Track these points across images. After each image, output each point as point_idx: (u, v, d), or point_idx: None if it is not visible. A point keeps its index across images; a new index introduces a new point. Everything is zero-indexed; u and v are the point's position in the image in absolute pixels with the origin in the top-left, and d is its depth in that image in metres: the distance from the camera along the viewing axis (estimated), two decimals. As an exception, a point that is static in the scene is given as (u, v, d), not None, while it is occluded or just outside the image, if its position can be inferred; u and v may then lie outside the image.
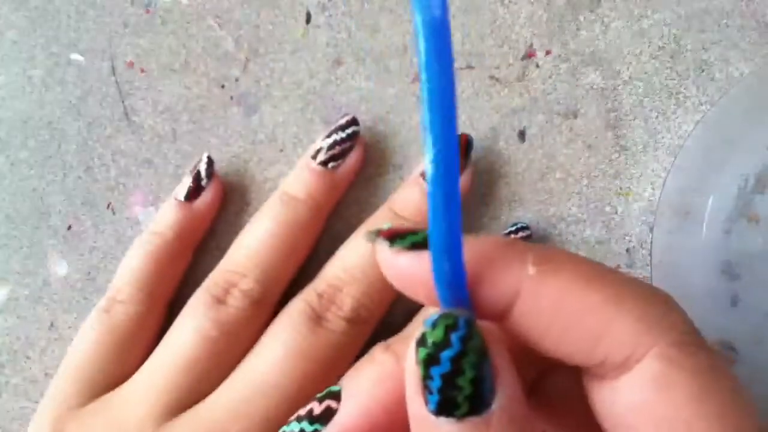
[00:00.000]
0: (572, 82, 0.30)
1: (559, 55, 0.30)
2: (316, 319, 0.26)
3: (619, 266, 0.29)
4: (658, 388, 0.15)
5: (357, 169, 0.29)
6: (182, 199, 0.28)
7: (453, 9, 0.30)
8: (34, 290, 0.30)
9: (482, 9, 0.30)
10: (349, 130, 0.28)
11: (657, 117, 0.30)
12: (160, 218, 0.29)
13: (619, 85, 0.30)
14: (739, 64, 0.30)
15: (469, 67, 0.30)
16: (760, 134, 0.28)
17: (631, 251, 0.29)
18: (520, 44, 0.30)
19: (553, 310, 0.15)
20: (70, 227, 0.31)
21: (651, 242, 0.28)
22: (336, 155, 0.28)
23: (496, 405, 0.15)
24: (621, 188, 0.30)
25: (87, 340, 0.27)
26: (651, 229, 0.29)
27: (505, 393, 0.15)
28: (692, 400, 0.15)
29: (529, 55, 0.30)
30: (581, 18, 0.30)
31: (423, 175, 0.28)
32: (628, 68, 0.30)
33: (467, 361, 0.14)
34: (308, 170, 0.28)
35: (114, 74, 0.31)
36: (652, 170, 0.30)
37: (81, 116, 0.31)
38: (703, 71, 0.30)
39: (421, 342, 0.15)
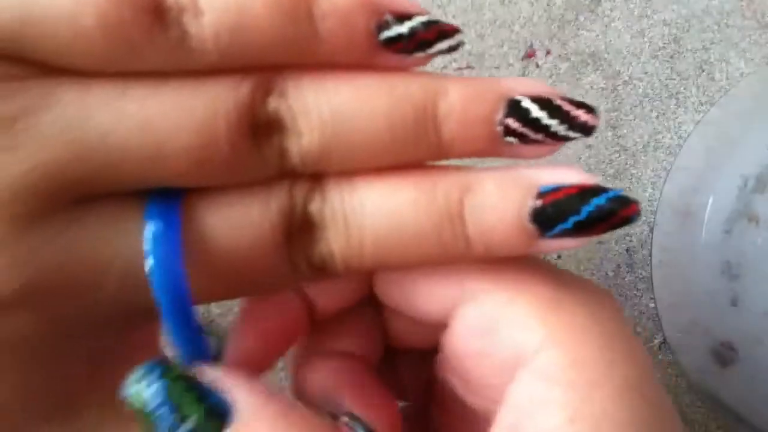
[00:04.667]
0: (572, 82, 0.30)
1: (559, 55, 0.30)
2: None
3: (619, 266, 0.29)
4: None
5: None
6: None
7: (453, 9, 0.30)
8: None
9: (482, 9, 0.30)
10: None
11: (657, 117, 0.30)
12: None
13: (619, 85, 0.30)
14: (739, 64, 0.30)
15: (469, 67, 0.30)
16: (760, 134, 0.28)
17: (631, 251, 0.29)
18: (520, 44, 0.30)
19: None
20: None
21: (651, 242, 0.28)
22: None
23: (238, 403, 0.15)
24: (621, 188, 0.30)
25: None
26: (651, 229, 0.29)
27: (241, 390, 0.15)
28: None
29: (529, 55, 0.30)
30: (581, 18, 0.30)
31: None
32: (628, 68, 0.30)
33: (179, 389, 0.15)
34: None
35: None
36: (652, 170, 0.30)
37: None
38: (703, 71, 0.30)
39: (139, 417, 0.15)
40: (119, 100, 0.14)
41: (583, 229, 0.16)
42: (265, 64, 0.15)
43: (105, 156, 0.14)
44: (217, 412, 0.15)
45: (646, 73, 0.30)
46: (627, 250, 0.29)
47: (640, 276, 0.29)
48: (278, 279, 0.16)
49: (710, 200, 0.28)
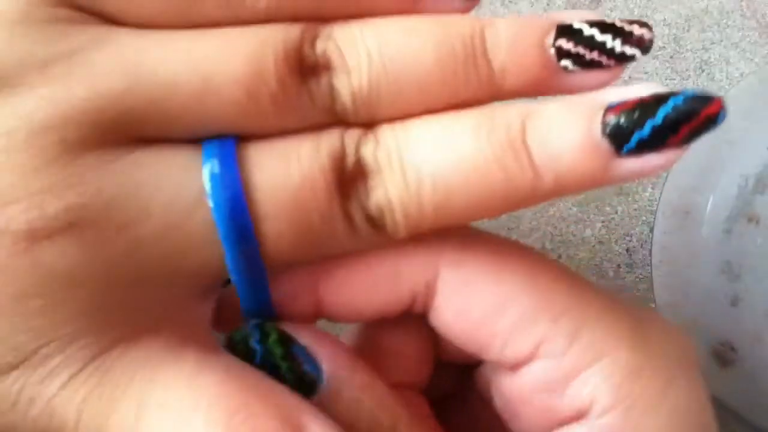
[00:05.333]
0: (572, 82, 0.30)
1: (559, 55, 0.30)
2: None
3: (619, 266, 0.29)
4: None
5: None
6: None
7: (453, 9, 0.30)
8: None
9: (482, 9, 0.30)
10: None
11: (657, 117, 0.30)
12: None
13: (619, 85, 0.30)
14: (739, 64, 0.30)
15: (469, 67, 0.30)
16: (760, 134, 0.28)
17: (631, 251, 0.29)
18: (520, 44, 0.30)
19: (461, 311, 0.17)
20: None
21: (651, 242, 0.28)
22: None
23: (327, 373, 0.16)
24: (621, 188, 0.30)
25: None
26: (651, 229, 0.29)
27: (331, 360, 0.16)
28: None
29: (529, 55, 0.30)
30: (581, 18, 0.30)
31: None
32: (628, 68, 0.30)
33: (276, 356, 0.16)
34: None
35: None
36: (652, 170, 0.30)
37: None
38: (703, 71, 0.30)
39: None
40: (171, 40, 0.15)
41: (662, 136, 0.14)
42: (315, 16, 0.16)
43: (155, 90, 0.15)
44: (308, 379, 0.16)
45: (646, 73, 0.30)
46: (627, 250, 0.29)
47: (640, 276, 0.29)
48: (335, 236, 0.16)
49: (710, 200, 0.28)
